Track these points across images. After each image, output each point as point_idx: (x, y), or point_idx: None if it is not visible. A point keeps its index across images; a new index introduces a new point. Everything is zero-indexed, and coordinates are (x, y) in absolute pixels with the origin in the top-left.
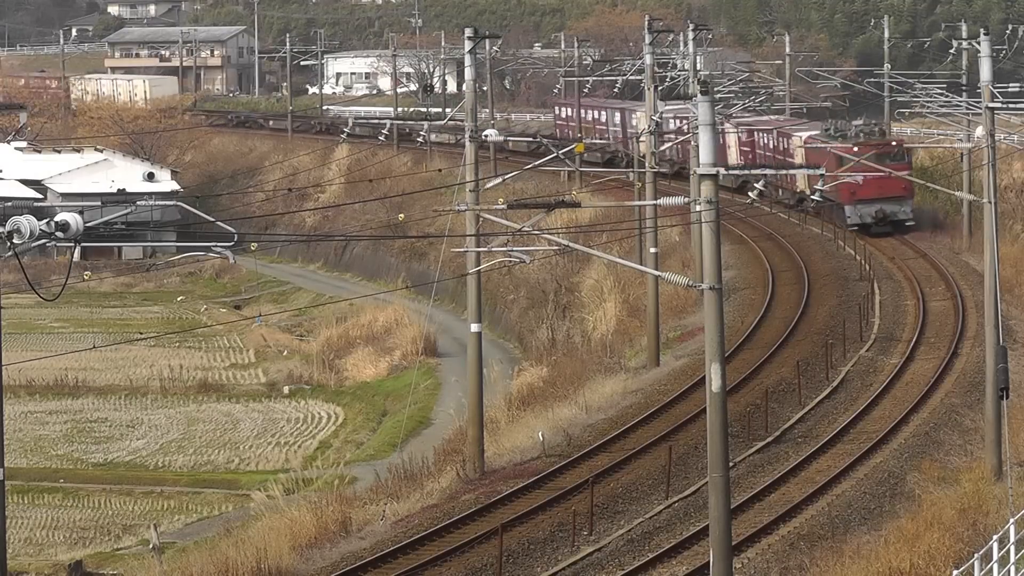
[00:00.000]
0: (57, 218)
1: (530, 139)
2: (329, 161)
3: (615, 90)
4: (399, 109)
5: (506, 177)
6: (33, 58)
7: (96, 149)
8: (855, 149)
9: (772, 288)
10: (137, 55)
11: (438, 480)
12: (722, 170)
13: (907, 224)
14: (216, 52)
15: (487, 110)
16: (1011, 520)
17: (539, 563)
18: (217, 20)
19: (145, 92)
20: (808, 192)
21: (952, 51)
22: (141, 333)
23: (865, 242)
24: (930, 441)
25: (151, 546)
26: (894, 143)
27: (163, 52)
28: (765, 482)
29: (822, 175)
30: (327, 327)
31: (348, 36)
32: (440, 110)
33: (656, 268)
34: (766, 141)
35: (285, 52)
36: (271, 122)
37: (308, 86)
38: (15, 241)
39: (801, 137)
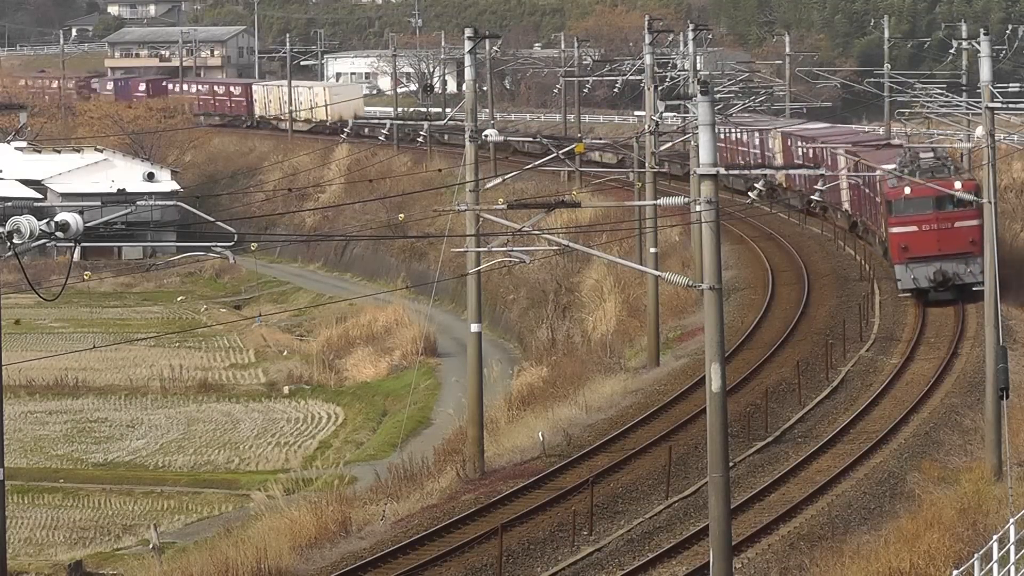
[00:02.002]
0: (57, 218)
1: (531, 139)
2: (329, 161)
3: (615, 90)
4: (399, 109)
5: (506, 177)
6: (33, 58)
7: (96, 149)
8: (906, 192)
9: (772, 288)
10: (137, 55)
11: (438, 480)
12: (721, 169)
13: (975, 288)
14: (216, 52)
15: (487, 110)
16: (1011, 520)
17: (539, 563)
18: (217, 20)
19: (326, 101)
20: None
21: (952, 51)
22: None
23: (865, 243)
24: (930, 441)
25: (151, 546)
26: (958, 184)
27: (163, 52)
28: (765, 482)
29: (822, 175)
30: (327, 327)
31: (348, 36)
32: (440, 110)
33: (656, 268)
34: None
35: (285, 52)
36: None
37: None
38: (15, 241)
39: (883, 171)
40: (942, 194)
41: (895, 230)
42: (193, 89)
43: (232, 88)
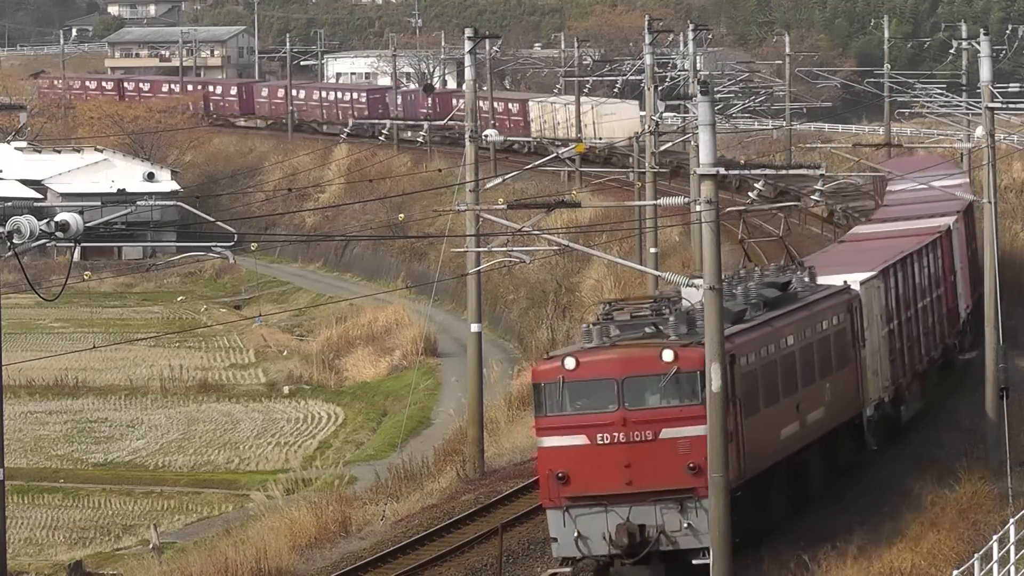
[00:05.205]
0: (57, 218)
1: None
2: (329, 161)
3: (615, 90)
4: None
5: (506, 177)
6: (33, 58)
7: (96, 149)
8: (567, 368)
9: None
10: (137, 55)
11: (438, 480)
12: (721, 170)
13: (698, 562)
14: (216, 52)
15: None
16: (1011, 520)
17: (539, 563)
18: (217, 20)
19: (594, 121)
20: None
21: (952, 51)
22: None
23: None
24: (930, 441)
25: (151, 546)
26: (668, 354)
27: (163, 52)
28: None
29: (822, 175)
30: (327, 327)
31: (348, 36)
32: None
33: (656, 268)
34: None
35: (285, 52)
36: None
37: None
38: (15, 241)
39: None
40: (638, 374)
41: (545, 442)
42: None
43: (511, 105)
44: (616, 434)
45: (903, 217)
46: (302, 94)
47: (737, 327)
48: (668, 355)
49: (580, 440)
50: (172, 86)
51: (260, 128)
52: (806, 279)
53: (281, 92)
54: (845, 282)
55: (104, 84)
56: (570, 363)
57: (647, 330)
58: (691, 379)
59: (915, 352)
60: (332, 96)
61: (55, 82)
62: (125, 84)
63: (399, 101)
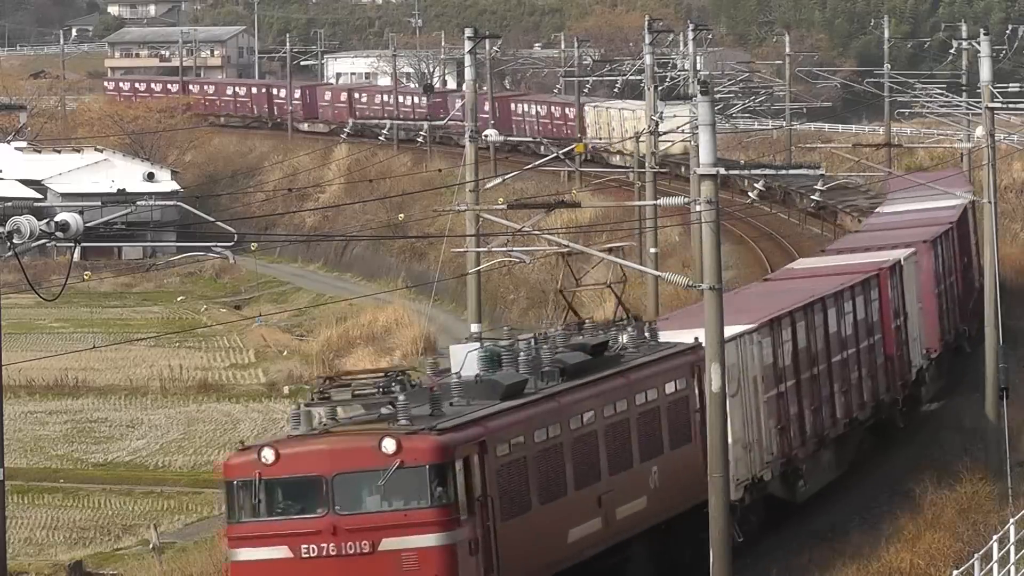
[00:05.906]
0: (57, 218)
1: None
2: (329, 161)
3: (615, 90)
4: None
5: (506, 177)
6: (33, 58)
7: (96, 149)
8: (265, 461)
9: None
10: (137, 55)
11: None
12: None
13: None
14: (216, 52)
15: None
16: (1011, 520)
17: None
18: (217, 20)
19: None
20: None
21: (952, 51)
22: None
23: None
24: (930, 441)
25: (151, 546)
26: (390, 443)
27: (163, 52)
28: None
29: (822, 175)
30: (327, 327)
31: (348, 36)
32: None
33: (656, 268)
34: None
35: (285, 52)
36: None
37: None
38: (15, 241)
39: None
40: (352, 470)
41: (239, 555)
42: (533, 111)
43: (567, 110)
44: (325, 545)
45: (861, 248)
46: (364, 97)
47: (497, 406)
48: (389, 445)
49: (282, 553)
50: (236, 88)
51: (322, 132)
52: (646, 335)
53: (344, 96)
54: (696, 339)
55: (169, 86)
56: (268, 455)
57: (384, 411)
58: (419, 475)
59: (824, 415)
60: (393, 100)
61: (120, 84)
62: (191, 86)
63: (458, 105)
